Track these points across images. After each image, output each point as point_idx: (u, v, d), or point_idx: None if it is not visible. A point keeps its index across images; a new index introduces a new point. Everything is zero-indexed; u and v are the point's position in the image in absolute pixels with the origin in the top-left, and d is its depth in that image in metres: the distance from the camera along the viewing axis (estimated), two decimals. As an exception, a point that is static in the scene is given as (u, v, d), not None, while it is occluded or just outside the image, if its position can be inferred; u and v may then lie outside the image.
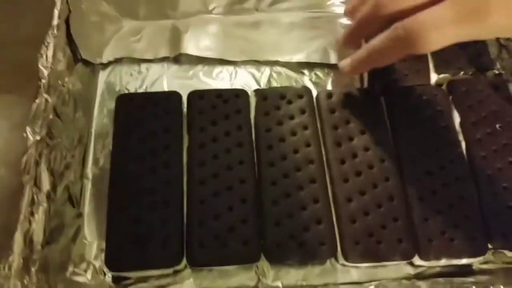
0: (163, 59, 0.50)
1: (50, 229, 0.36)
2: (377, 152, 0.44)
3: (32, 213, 0.34)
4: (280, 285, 0.40)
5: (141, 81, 0.49)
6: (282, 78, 0.50)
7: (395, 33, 0.38)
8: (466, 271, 0.42)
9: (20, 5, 0.53)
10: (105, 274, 0.39)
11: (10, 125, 0.46)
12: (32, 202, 0.35)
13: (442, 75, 0.50)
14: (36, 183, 0.36)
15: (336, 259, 0.41)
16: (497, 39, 0.52)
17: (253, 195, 0.41)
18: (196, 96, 0.45)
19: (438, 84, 0.49)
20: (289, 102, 0.46)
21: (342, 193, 0.42)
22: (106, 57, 0.49)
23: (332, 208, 0.42)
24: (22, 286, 0.32)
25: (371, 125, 0.45)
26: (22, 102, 0.43)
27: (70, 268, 0.39)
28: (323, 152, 0.44)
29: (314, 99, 0.47)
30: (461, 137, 0.45)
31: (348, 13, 0.46)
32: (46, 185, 0.36)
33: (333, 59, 0.51)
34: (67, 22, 0.45)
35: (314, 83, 0.50)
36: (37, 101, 0.38)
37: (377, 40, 0.40)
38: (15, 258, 0.32)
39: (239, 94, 0.46)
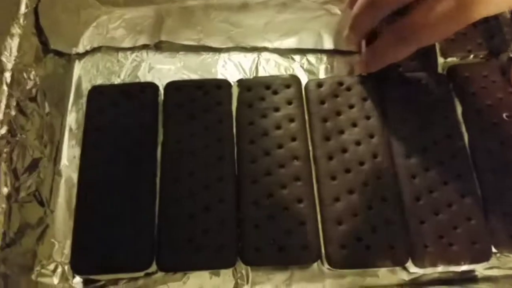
0: (143, 47, 0.47)
1: (12, 231, 0.35)
2: (369, 147, 0.40)
3: (-11, 215, 0.33)
4: (259, 290, 0.38)
5: (119, 71, 0.46)
6: (270, 66, 0.47)
7: (447, 3, 0.34)
8: (467, 277, 0.38)
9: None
10: (74, 276, 0.38)
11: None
12: (-10, 204, 0.33)
13: (449, 59, 0.45)
14: (-5, 184, 0.34)
15: (322, 263, 0.38)
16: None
17: (231, 194, 0.38)
18: (173, 87, 0.43)
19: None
20: (275, 92, 0.43)
21: (328, 192, 0.39)
22: (83, 46, 0.47)
23: (318, 208, 0.38)
24: (-24, 293, 0.31)
25: (364, 117, 0.41)
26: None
27: (36, 270, 0.37)
28: (310, 148, 0.41)
29: (303, 89, 0.43)
30: (463, 129, 0.41)
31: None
32: (6, 185, 0.34)
33: (327, 44, 0.47)
34: (35, 10, 0.42)
35: (306, 70, 0.47)
36: (-3, 96, 0.36)
37: (419, 17, 0.36)
38: (-32, 264, 0.31)
39: (221, 85, 0.43)
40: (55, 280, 0.37)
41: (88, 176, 0.39)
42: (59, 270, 0.38)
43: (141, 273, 0.37)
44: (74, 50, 0.46)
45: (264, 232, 0.37)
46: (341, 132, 0.41)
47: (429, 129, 0.40)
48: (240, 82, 0.43)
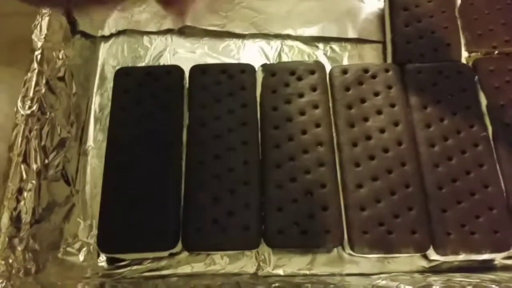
0: (167, 32, 0.47)
1: (41, 207, 0.35)
2: (394, 134, 0.40)
3: (20, 191, 0.33)
4: (281, 273, 0.38)
5: (143, 55, 0.46)
6: (294, 53, 0.47)
7: None
8: (487, 266, 0.38)
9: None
10: (98, 255, 0.38)
11: (11, 99, 0.45)
12: (21, 180, 0.33)
13: (473, 54, 0.45)
14: (26, 160, 0.34)
15: (343, 248, 0.38)
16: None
17: (256, 178, 0.39)
18: (199, 70, 0.43)
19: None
20: (299, 78, 0.43)
21: (352, 178, 0.39)
22: (108, 29, 0.47)
23: (341, 194, 0.39)
24: (7, 265, 0.31)
25: (389, 104, 0.41)
26: (22, 75, 0.41)
27: (63, 248, 0.38)
28: (334, 134, 0.41)
29: (328, 76, 0.43)
30: (487, 121, 0.41)
31: None
32: (36, 162, 0.35)
33: (351, 33, 0.47)
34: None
35: (329, 58, 0.47)
36: (29, 74, 0.36)
37: None
38: (0, 237, 0.31)
39: (245, 70, 0.43)
40: (81, 258, 0.38)
41: (115, 157, 0.39)
42: (85, 249, 0.38)
43: (166, 253, 0.37)
44: (100, 33, 0.46)
45: (287, 215, 0.37)
46: (366, 119, 0.41)
47: (453, 119, 0.41)
48: (264, 66, 0.43)
